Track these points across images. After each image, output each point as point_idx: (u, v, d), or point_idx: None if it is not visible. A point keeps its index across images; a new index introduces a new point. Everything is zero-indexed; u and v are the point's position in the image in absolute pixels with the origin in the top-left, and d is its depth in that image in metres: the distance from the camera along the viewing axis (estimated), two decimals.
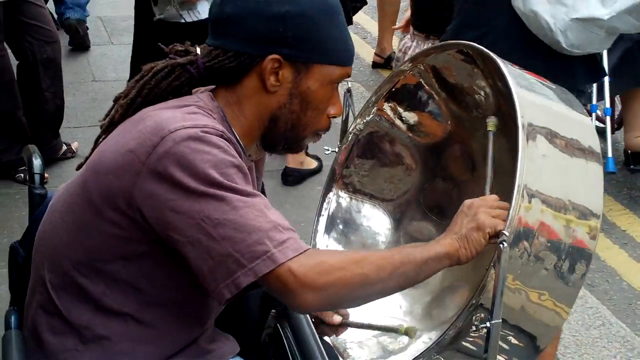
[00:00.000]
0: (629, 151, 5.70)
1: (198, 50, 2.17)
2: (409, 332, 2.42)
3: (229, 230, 1.90)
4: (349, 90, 2.73)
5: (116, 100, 2.20)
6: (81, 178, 2.09)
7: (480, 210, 2.13)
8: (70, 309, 2.08)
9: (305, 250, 1.94)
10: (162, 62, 2.19)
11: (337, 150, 2.79)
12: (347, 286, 1.96)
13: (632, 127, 5.38)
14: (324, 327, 2.47)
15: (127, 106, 2.14)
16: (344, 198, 2.79)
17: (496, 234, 2.08)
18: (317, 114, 2.17)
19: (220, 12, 2.12)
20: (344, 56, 2.16)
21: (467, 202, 2.18)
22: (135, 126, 2.04)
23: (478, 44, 2.41)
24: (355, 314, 2.52)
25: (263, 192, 2.35)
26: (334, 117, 2.22)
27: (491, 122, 2.39)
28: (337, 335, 2.52)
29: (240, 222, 1.90)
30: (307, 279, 1.91)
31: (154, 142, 1.95)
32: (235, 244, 1.90)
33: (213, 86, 2.19)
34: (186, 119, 1.99)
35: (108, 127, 2.18)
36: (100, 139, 2.19)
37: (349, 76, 2.21)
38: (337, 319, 2.47)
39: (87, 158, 2.19)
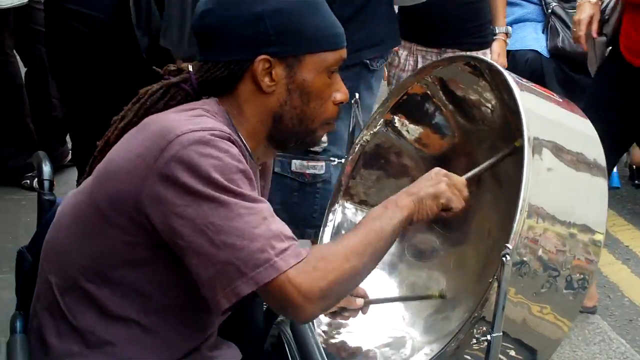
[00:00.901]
0: (634, 166, 5.71)
1: (190, 68, 2.19)
2: (442, 294, 2.51)
3: (231, 237, 1.90)
4: (356, 102, 2.74)
5: (113, 122, 2.22)
6: (89, 184, 2.11)
7: (443, 180, 2.19)
8: (76, 313, 2.09)
9: (304, 258, 1.94)
10: (157, 84, 2.21)
11: (343, 161, 2.80)
12: (341, 284, 1.99)
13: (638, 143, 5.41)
14: (349, 311, 2.52)
15: (123, 129, 2.16)
16: (350, 209, 2.80)
17: (448, 208, 2.18)
18: (321, 103, 2.17)
19: (201, 27, 2.14)
20: (332, 40, 2.15)
21: (435, 169, 2.23)
22: (141, 132, 2.06)
23: None
24: (359, 326, 2.54)
25: (270, 200, 2.36)
26: (341, 102, 2.21)
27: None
28: (363, 313, 2.57)
29: (243, 228, 1.90)
30: (307, 288, 1.91)
31: (161, 146, 1.95)
32: (237, 252, 1.89)
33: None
34: (193, 122, 2.00)
35: (104, 147, 2.20)
36: (96, 160, 2.21)
37: (344, 58, 2.19)
38: (359, 302, 2.52)
39: (87, 174, 2.22)
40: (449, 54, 4.25)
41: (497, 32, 4.76)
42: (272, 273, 1.89)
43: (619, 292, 4.88)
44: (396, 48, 4.47)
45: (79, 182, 2.26)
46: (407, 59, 4.64)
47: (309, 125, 2.18)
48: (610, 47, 4.24)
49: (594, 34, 4.20)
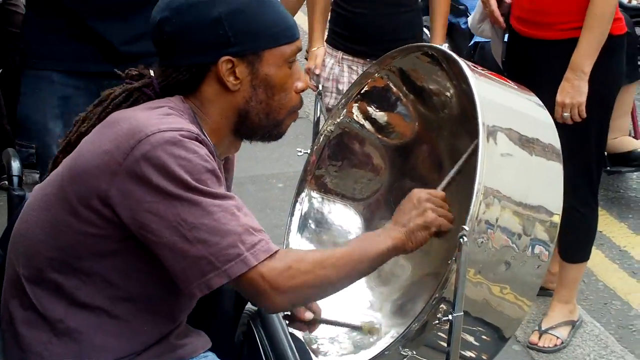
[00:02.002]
0: (607, 153, 5.75)
1: (152, 73, 2.23)
2: (371, 331, 2.53)
3: (203, 233, 1.98)
4: (319, 93, 2.79)
5: (75, 123, 2.27)
6: (57, 177, 2.15)
7: (428, 207, 2.25)
8: (44, 303, 2.13)
9: (275, 252, 2.03)
10: (119, 87, 2.26)
11: (309, 151, 2.85)
12: (312, 288, 2.09)
13: (611, 129, 5.46)
14: (297, 323, 2.53)
15: (86, 130, 2.21)
16: (316, 198, 2.85)
17: (440, 233, 2.24)
18: (284, 94, 2.22)
19: (160, 35, 2.18)
20: (287, 33, 2.21)
21: (416, 193, 2.29)
22: (110, 128, 2.10)
23: None
24: (326, 310, 2.58)
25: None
26: (302, 90, 2.27)
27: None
28: (310, 332, 2.58)
29: (215, 226, 1.99)
30: (276, 282, 2.02)
31: (131, 144, 2.01)
32: (210, 247, 1.98)
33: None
34: (162, 121, 2.05)
35: (65, 147, 2.25)
36: (58, 159, 2.26)
37: (300, 49, 2.26)
38: (308, 315, 2.53)
39: (49, 172, 2.26)
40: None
41: None
42: (242, 267, 1.99)
43: (594, 276, 4.94)
44: (322, 56, 4.32)
45: (41, 179, 2.31)
46: (333, 67, 4.37)
47: (276, 117, 2.24)
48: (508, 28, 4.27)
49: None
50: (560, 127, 3.68)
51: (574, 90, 3.77)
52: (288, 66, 2.21)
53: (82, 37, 3.35)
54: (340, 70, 4.33)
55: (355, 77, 3.92)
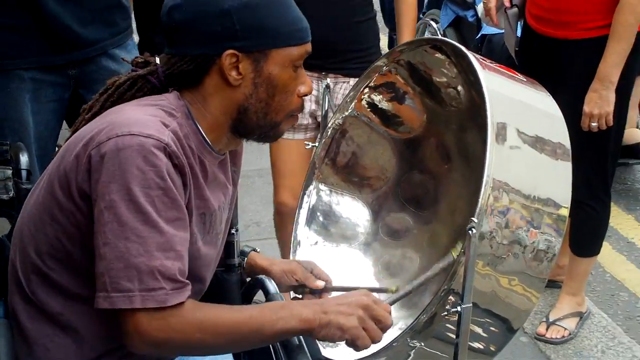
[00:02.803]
0: None
1: (157, 60, 2.23)
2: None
3: (112, 253, 1.96)
4: (327, 87, 2.79)
5: (81, 112, 2.27)
6: (49, 169, 2.16)
7: (359, 314, 2.10)
8: (41, 297, 2.14)
9: (168, 307, 1.98)
10: (124, 75, 2.26)
11: (317, 144, 2.87)
12: (181, 346, 2.05)
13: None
14: (307, 294, 2.52)
15: (90, 119, 2.21)
16: (324, 191, 2.86)
17: (354, 345, 2.11)
18: (286, 97, 2.19)
19: (170, 21, 2.17)
20: (297, 35, 2.18)
21: (360, 296, 2.15)
22: (97, 120, 2.13)
23: None
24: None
25: (235, 183, 2.40)
26: (305, 95, 2.24)
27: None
28: (319, 296, 2.53)
29: (123, 253, 1.96)
30: (145, 332, 1.98)
31: (100, 140, 2.01)
32: (110, 270, 1.96)
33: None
34: (139, 122, 2.04)
35: (71, 137, 2.24)
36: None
37: (309, 52, 2.22)
38: (319, 283, 2.51)
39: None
40: (331, 78, 3.83)
41: None
42: (125, 303, 1.96)
43: (601, 268, 4.95)
44: None
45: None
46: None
47: (274, 118, 2.21)
48: (522, 20, 4.22)
49: (507, 3, 4.21)
50: (578, 119, 3.71)
51: (602, 100, 3.75)
52: (293, 69, 2.19)
53: (42, 31, 3.36)
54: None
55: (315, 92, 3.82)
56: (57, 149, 3.40)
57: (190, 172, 2.10)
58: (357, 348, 2.12)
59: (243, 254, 2.58)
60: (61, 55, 3.42)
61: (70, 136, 2.23)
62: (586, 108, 3.77)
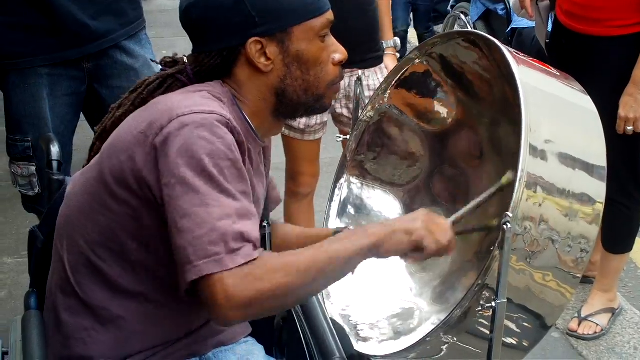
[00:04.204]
0: None
1: (185, 59, 2.23)
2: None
3: (192, 223, 1.91)
4: (359, 79, 2.78)
5: (111, 110, 2.27)
6: (97, 160, 2.15)
7: (420, 218, 2.15)
8: (86, 289, 2.14)
9: (251, 262, 1.92)
10: (154, 75, 2.26)
11: (348, 137, 2.85)
12: (270, 296, 1.93)
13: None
14: None
15: (121, 116, 2.21)
16: (355, 184, 2.85)
17: (421, 247, 2.12)
18: (321, 68, 2.19)
19: (188, 21, 2.17)
20: (312, 7, 2.15)
21: (422, 210, 2.21)
22: (147, 110, 2.11)
23: None
24: (366, 297, 2.58)
25: (267, 176, 2.39)
26: (341, 62, 2.22)
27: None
28: None
29: (205, 218, 1.91)
30: (232, 291, 1.89)
31: (162, 124, 2.00)
32: (194, 240, 1.90)
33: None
34: (196, 103, 2.04)
35: (101, 134, 2.26)
36: (95, 146, 2.27)
37: (332, 20, 2.20)
38: None
39: (87, 160, 2.28)
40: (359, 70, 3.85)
41: (385, 47, 4.17)
42: (215, 267, 1.89)
43: (633, 264, 4.92)
44: None
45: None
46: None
47: (315, 91, 2.20)
48: (553, 12, 4.18)
49: None
50: (610, 116, 3.67)
51: (638, 104, 3.71)
52: (320, 40, 2.17)
53: (54, 28, 3.38)
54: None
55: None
56: None
57: (247, 153, 2.10)
58: (423, 254, 2.14)
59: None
60: (74, 50, 3.45)
61: (100, 134, 2.22)
62: (621, 112, 3.73)
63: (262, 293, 1.91)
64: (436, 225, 2.16)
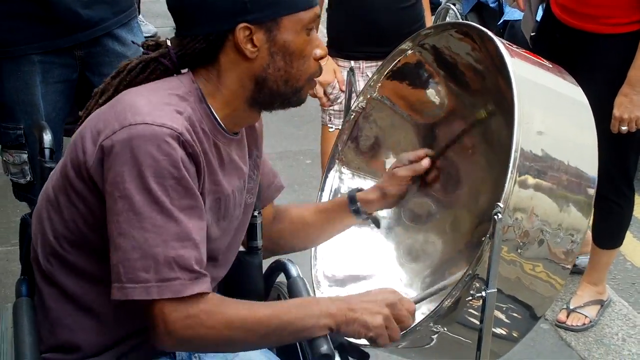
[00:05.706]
0: None
1: (169, 42, 2.22)
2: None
3: (127, 243, 1.95)
4: (351, 69, 2.78)
5: (94, 95, 2.26)
6: (67, 151, 2.16)
7: (385, 313, 2.14)
8: (61, 279, 2.15)
9: (187, 297, 1.97)
10: (136, 58, 2.24)
11: (340, 127, 2.84)
12: (209, 343, 2.03)
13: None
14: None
15: (104, 102, 2.20)
16: (346, 174, 2.85)
17: (374, 342, 2.14)
18: (303, 62, 2.19)
19: (177, 3, 2.16)
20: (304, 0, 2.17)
21: (388, 293, 2.20)
22: (110, 107, 2.11)
23: None
24: (355, 287, 2.59)
25: (257, 166, 2.39)
26: (321, 58, 2.24)
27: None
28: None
29: (139, 243, 1.95)
30: (172, 326, 1.96)
31: (114, 128, 2.00)
32: (125, 260, 1.95)
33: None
34: (155, 108, 2.03)
35: (84, 120, 2.23)
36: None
37: (319, 15, 2.22)
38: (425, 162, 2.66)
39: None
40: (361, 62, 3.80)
41: None
42: (142, 295, 1.94)
43: (622, 256, 4.94)
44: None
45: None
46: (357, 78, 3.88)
47: (295, 84, 2.20)
48: (544, 4, 4.18)
49: None
50: (601, 113, 3.67)
51: (633, 105, 3.72)
52: (306, 33, 2.18)
53: (46, 16, 3.38)
54: (364, 80, 3.90)
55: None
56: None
57: (205, 159, 2.09)
58: (375, 345, 2.15)
59: (352, 200, 2.63)
60: (66, 38, 3.45)
61: (83, 119, 2.22)
62: (616, 112, 3.73)
63: (203, 339, 2.00)
64: (401, 315, 2.16)
